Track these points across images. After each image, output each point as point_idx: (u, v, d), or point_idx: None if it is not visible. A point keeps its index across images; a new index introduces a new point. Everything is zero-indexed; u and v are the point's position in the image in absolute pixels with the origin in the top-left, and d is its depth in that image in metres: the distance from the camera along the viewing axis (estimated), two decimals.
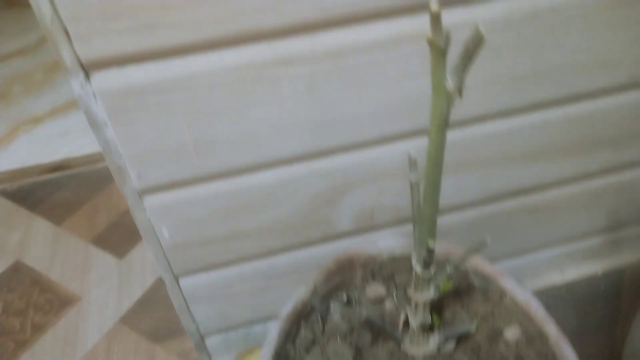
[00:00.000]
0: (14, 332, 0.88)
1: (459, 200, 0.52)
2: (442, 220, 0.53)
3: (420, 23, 0.39)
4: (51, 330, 0.88)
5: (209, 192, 0.45)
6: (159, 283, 0.97)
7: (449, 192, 0.51)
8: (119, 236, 1.06)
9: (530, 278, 0.63)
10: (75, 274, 1.00)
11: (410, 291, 0.39)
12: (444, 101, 0.32)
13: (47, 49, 1.48)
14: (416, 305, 0.39)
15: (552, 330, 0.39)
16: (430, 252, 0.36)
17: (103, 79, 0.35)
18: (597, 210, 0.57)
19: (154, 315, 0.91)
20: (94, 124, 0.38)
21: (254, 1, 0.34)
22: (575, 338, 0.42)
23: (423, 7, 0.38)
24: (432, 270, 0.37)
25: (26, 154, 1.21)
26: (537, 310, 0.40)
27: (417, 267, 0.37)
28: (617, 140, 0.50)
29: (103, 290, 0.97)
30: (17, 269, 1.02)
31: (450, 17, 0.38)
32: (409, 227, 0.53)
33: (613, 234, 0.60)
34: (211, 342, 0.58)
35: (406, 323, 0.40)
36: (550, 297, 0.63)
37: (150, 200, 0.44)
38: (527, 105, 0.45)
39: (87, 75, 0.35)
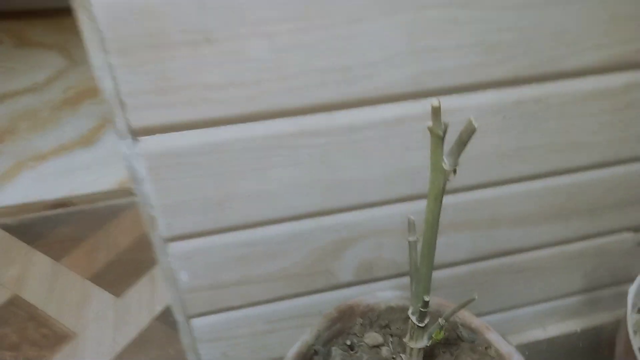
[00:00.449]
0: None
1: (450, 258, 0.57)
2: (434, 275, 0.58)
3: (420, 106, 0.45)
4: None
5: (226, 241, 0.50)
6: (155, 323, 0.99)
7: (441, 250, 0.56)
8: (117, 274, 1.09)
9: (514, 333, 0.68)
10: (72, 310, 1.02)
11: (406, 339, 0.44)
12: (440, 177, 0.38)
13: (55, 88, 1.53)
14: (411, 353, 0.44)
15: None
16: (426, 305, 0.41)
17: (147, 143, 0.41)
18: (575, 272, 0.63)
19: (149, 355, 0.92)
20: (135, 179, 0.43)
21: (282, 85, 0.40)
22: None
23: (422, 95, 0.44)
24: (426, 321, 0.42)
25: (29, 189, 1.24)
26: None
27: (414, 318, 0.42)
28: (593, 209, 0.57)
29: (99, 327, 0.99)
30: (14, 303, 1.03)
31: (446, 103, 0.45)
32: (405, 280, 0.58)
33: (591, 294, 0.66)
34: None
35: None
36: (532, 351, 0.68)
37: (174, 247, 0.48)
38: (512, 177, 0.51)
39: (134, 139, 0.40)
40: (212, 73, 0.38)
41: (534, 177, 0.52)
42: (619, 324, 0.57)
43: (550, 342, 0.67)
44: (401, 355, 0.46)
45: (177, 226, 0.47)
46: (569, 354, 0.69)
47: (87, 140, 1.36)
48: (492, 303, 0.63)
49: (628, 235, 0.62)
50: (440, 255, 0.57)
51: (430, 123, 0.35)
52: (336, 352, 0.48)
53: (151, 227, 0.46)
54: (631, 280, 0.66)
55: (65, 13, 1.85)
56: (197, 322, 0.55)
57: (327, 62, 0.40)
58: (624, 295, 0.64)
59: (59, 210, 1.21)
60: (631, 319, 0.54)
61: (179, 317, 0.54)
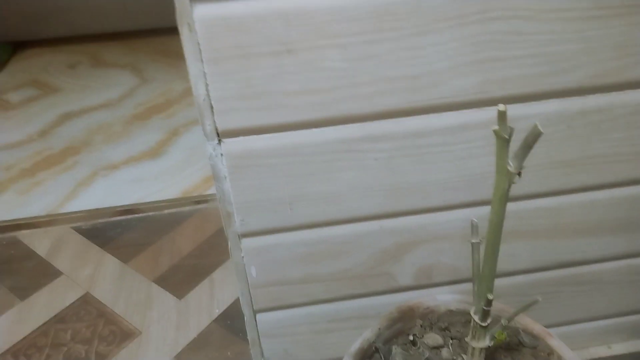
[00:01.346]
0: (79, 359, 0.95)
1: (510, 266, 0.58)
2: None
3: (484, 114, 0.47)
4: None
5: (294, 239, 0.53)
6: (213, 326, 1.03)
7: (501, 258, 0.57)
8: (180, 278, 1.14)
9: (576, 348, 0.67)
10: (137, 309, 1.08)
11: (468, 339, 0.45)
12: (505, 180, 0.40)
13: (126, 104, 1.64)
14: (473, 353, 0.45)
15: None
16: (489, 304, 0.42)
17: (230, 144, 0.45)
18: None
19: (208, 356, 0.96)
20: (217, 178, 0.47)
21: (353, 92, 0.44)
22: None
23: (486, 103, 0.46)
24: (489, 321, 0.43)
25: (102, 196, 1.33)
26: None
27: (476, 318, 0.44)
28: None
29: (162, 327, 1.04)
30: (87, 301, 1.10)
31: (510, 111, 0.47)
32: (463, 286, 0.59)
33: None
34: None
35: None
36: None
37: (247, 242, 0.52)
38: (575, 187, 0.52)
39: (219, 141, 0.45)
40: (291, 81, 0.42)
41: (598, 188, 0.52)
42: None
43: None
44: (462, 355, 0.47)
45: (251, 223, 0.51)
46: None
47: (155, 152, 1.45)
48: (553, 315, 0.63)
49: None
50: (500, 264, 0.57)
51: (495, 127, 0.37)
52: (396, 350, 0.50)
53: (227, 222, 0.50)
54: None
55: (137, 35, 1.99)
56: (262, 317, 0.59)
57: (395, 71, 0.43)
58: None
59: (128, 216, 1.29)
60: None
61: (246, 311, 0.58)
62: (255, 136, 0.45)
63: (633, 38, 0.44)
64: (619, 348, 0.67)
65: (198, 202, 1.29)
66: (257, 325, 0.59)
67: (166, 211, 1.30)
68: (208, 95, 0.42)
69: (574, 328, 0.65)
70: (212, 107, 0.42)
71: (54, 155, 1.42)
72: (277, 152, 0.46)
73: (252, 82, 0.42)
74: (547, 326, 0.64)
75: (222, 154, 0.45)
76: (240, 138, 0.45)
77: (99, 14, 1.88)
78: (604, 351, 0.67)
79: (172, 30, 2.01)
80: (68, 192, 1.31)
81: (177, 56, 1.86)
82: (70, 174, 1.36)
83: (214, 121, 0.43)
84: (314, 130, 0.46)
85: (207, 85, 0.41)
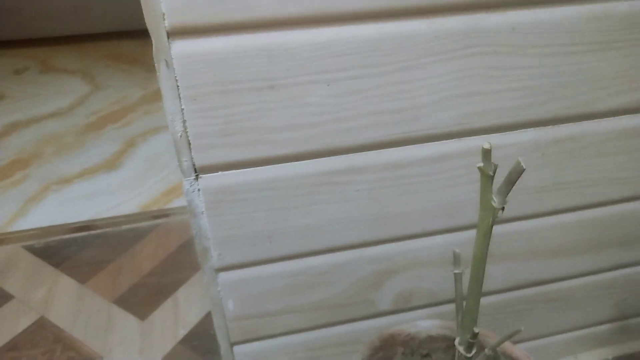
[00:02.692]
0: None
1: (485, 287, 0.59)
2: None
3: (463, 144, 0.47)
4: None
5: (273, 272, 0.51)
6: (179, 347, 1.00)
7: None
8: (141, 298, 1.10)
9: None
10: (97, 333, 1.03)
11: None
12: (489, 215, 0.40)
13: (78, 113, 1.57)
14: None
15: None
16: (475, 336, 0.42)
17: (208, 180, 0.43)
18: (607, 301, 0.64)
19: None
20: (194, 213, 0.45)
21: (336, 126, 0.43)
22: None
23: (466, 134, 0.47)
24: (474, 351, 0.44)
25: (55, 212, 1.26)
26: None
27: (461, 349, 0.44)
28: (625, 241, 0.59)
29: (124, 351, 1.00)
30: (42, 325, 1.04)
31: (489, 140, 0.47)
32: (441, 309, 0.59)
33: (622, 322, 0.67)
34: None
35: None
36: None
37: (224, 276, 0.50)
38: (548, 210, 0.53)
39: (197, 177, 0.43)
40: (273, 117, 0.41)
41: (569, 210, 0.54)
42: None
43: None
44: None
45: (228, 257, 0.49)
46: None
47: (111, 164, 1.39)
48: (526, 331, 0.64)
49: None
50: None
51: (479, 163, 0.37)
52: None
53: (204, 258, 0.48)
54: None
55: (87, 39, 1.90)
56: (239, 349, 0.57)
57: (379, 106, 0.42)
58: None
59: (84, 233, 1.23)
60: None
61: (223, 344, 0.56)
62: (234, 171, 0.43)
63: (604, 72, 0.45)
64: (585, 358, 0.70)
65: (158, 217, 1.25)
66: (234, 358, 0.57)
67: (124, 227, 1.25)
68: (185, 131, 0.40)
69: (543, 342, 0.67)
70: (189, 144, 0.40)
71: (1, 168, 1.34)
72: (256, 186, 0.45)
73: (232, 118, 0.40)
74: (518, 341, 0.66)
75: (199, 189, 0.44)
76: (219, 173, 0.43)
77: (48, 17, 1.78)
78: None
79: (125, 34, 1.93)
80: (17, 209, 1.23)
81: (131, 61, 1.79)
82: (19, 189, 1.29)
83: (192, 157, 0.41)
84: (295, 163, 0.45)
85: (184, 121, 0.39)
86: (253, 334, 0.56)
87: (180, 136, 0.40)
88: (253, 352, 0.57)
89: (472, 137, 0.46)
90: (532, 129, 0.47)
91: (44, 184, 1.32)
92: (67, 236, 1.20)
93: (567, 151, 0.49)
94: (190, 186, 0.43)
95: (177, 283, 1.14)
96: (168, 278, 1.12)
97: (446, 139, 0.46)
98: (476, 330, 0.42)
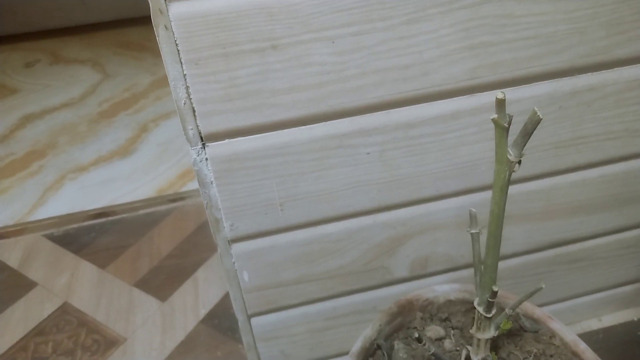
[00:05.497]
0: None
1: (504, 250, 0.57)
2: None
3: (475, 101, 0.46)
4: None
5: (287, 241, 0.51)
6: (201, 327, 1.01)
7: None
8: (161, 280, 1.11)
9: (569, 324, 0.68)
10: (120, 315, 1.05)
11: (473, 330, 0.44)
12: (505, 169, 0.39)
13: (90, 102, 1.57)
14: (478, 344, 0.44)
15: None
16: (494, 295, 0.41)
17: (215, 148, 0.43)
18: (632, 261, 0.62)
19: (197, 357, 0.94)
20: (203, 183, 0.44)
21: (342, 86, 0.42)
22: None
23: (478, 89, 0.45)
24: (494, 311, 0.43)
25: (72, 200, 1.28)
26: (585, 350, 0.45)
27: (480, 309, 0.43)
28: None
29: (147, 332, 1.01)
30: (66, 310, 1.06)
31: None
32: (458, 274, 0.58)
33: None
34: None
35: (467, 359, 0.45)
36: (588, 342, 0.67)
37: (237, 248, 0.50)
38: (567, 167, 0.51)
39: (204, 145, 0.42)
40: (277, 78, 0.40)
41: (589, 166, 0.52)
42: None
43: (606, 331, 0.67)
44: (467, 347, 0.46)
45: (241, 227, 0.48)
46: (626, 344, 0.68)
47: (125, 150, 1.40)
48: (547, 294, 0.63)
49: None
50: None
51: (493, 115, 0.36)
52: (399, 345, 0.49)
53: (216, 229, 0.48)
54: None
55: (96, 28, 1.90)
56: (256, 320, 0.57)
57: (386, 62, 0.41)
58: None
59: (102, 220, 1.24)
60: None
61: (240, 316, 0.56)
62: (241, 138, 0.43)
63: (621, 16, 0.43)
64: (609, 319, 0.68)
65: (174, 200, 1.25)
66: (252, 330, 0.57)
67: (142, 212, 1.26)
68: (189, 98, 0.39)
69: (565, 304, 0.66)
70: (194, 111, 0.40)
71: (17, 160, 1.36)
72: (265, 152, 0.44)
73: (235, 81, 0.39)
74: (540, 305, 0.65)
75: (207, 159, 0.43)
76: (226, 141, 0.42)
77: (55, 8, 1.79)
78: (594, 324, 0.68)
79: (133, 21, 1.92)
80: (36, 199, 1.25)
81: (139, 48, 1.79)
82: (36, 180, 1.30)
83: (197, 125, 0.41)
84: (303, 128, 0.44)
85: (187, 87, 0.38)
86: (270, 305, 0.56)
87: (184, 103, 0.39)
88: (271, 323, 0.57)
89: (484, 92, 0.45)
90: (547, 81, 0.45)
91: (60, 173, 1.34)
92: (85, 223, 1.22)
93: (586, 103, 0.47)
94: (198, 155, 0.43)
95: (195, 264, 1.15)
96: (187, 260, 1.13)
97: (457, 96, 0.45)
98: (495, 288, 0.41)
